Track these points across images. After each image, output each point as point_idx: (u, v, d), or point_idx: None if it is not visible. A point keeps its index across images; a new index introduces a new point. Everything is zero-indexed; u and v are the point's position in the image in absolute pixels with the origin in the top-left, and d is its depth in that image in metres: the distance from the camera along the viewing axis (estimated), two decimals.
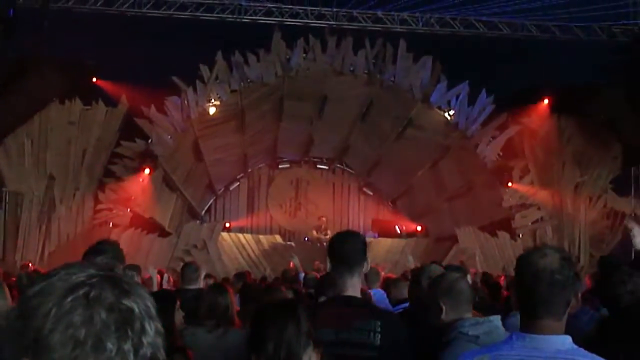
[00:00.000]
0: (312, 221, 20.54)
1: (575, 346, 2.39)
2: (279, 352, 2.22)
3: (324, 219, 20.22)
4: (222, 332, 4.76)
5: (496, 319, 3.50)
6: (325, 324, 3.05)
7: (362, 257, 3.35)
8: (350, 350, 3.09)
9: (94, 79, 17.98)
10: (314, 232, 19.60)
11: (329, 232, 19.89)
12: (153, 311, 1.20)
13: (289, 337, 2.24)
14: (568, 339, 2.40)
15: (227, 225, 20.59)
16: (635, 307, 4.17)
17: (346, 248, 3.39)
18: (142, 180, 16.68)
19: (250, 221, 22.08)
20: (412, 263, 12.15)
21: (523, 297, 2.47)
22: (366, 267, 3.37)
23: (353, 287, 3.27)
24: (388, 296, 7.87)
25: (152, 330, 1.18)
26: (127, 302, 1.16)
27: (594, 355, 2.39)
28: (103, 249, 4.26)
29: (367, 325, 3.08)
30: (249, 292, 6.27)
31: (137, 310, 1.17)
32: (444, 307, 3.49)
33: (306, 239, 20.15)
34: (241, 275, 10.64)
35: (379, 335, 3.02)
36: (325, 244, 15.10)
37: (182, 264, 9.00)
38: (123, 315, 1.15)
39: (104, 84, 18.03)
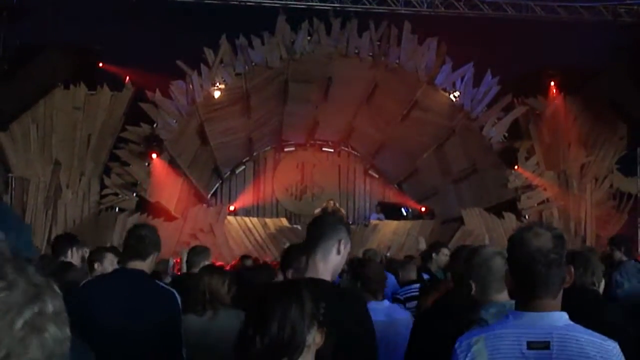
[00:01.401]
0: (318, 204, 20.50)
1: (570, 322, 2.41)
2: (282, 332, 2.23)
3: (331, 202, 20.19)
4: (211, 314, 4.73)
5: (509, 303, 3.41)
6: None
7: (321, 238, 3.29)
8: None
9: (99, 64, 17.98)
10: None
11: None
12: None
13: (293, 317, 2.25)
14: (564, 315, 2.42)
15: (232, 208, 20.59)
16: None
17: (308, 229, 3.40)
18: (148, 165, 16.71)
19: (256, 204, 22.12)
20: (423, 245, 12.06)
21: (519, 277, 2.48)
22: (339, 249, 3.27)
23: (314, 268, 3.25)
24: (396, 278, 7.91)
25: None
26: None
27: (590, 330, 2.39)
28: (142, 235, 4.26)
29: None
30: (240, 275, 6.21)
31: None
32: (473, 286, 3.42)
33: None
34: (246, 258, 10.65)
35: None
36: None
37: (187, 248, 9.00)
38: None
39: (109, 69, 18.03)
